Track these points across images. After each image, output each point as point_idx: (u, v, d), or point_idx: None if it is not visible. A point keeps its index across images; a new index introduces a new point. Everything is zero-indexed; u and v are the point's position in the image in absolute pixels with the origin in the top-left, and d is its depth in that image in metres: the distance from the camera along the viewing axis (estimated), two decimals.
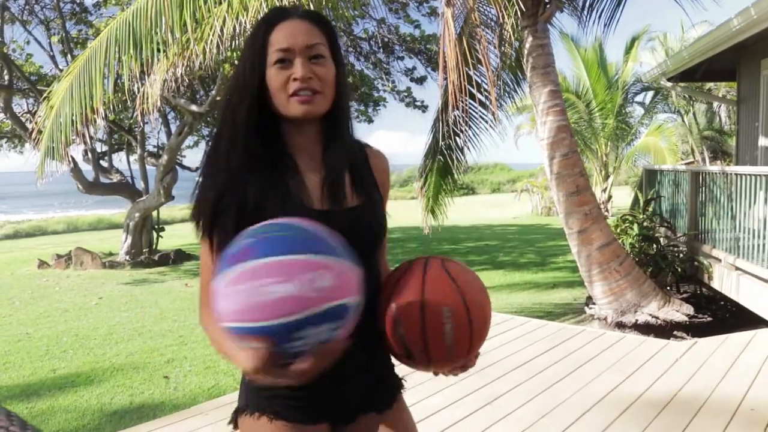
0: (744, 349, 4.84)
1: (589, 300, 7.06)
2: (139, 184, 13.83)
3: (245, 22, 5.67)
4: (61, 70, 10.87)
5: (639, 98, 17.58)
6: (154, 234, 13.57)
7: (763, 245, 5.77)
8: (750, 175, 6.28)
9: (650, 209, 8.69)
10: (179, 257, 12.73)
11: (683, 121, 18.03)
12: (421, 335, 1.25)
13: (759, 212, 5.96)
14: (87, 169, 13.20)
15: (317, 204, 1.32)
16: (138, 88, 7.07)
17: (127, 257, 12.48)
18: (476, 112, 7.81)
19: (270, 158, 1.31)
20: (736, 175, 6.65)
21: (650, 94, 17.14)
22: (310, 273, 0.99)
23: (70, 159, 12.56)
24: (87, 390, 4.89)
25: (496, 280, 9.67)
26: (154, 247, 13.39)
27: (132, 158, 14.57)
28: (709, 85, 15.56)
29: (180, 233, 17.17)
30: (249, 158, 1.29)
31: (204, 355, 5.72)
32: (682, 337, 5.89)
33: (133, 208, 13.05)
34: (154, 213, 13.54)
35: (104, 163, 14.12)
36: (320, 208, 1.31)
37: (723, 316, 6.77)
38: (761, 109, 8.94)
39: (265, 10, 5.44)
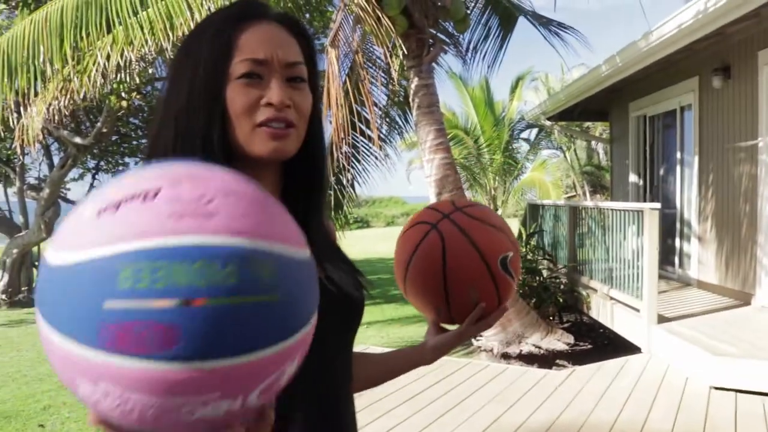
0: (616, 375, 5.12)
1: None
2: (18, 219, 13.09)
3: (129, 56, 5.54)
4: None
5: (525, 135, 18.41)
6: (34, 271, 12.82)
7: (634, 275, 6.16)
8: (620, 210, 6.71)
9: (533, 242, 9.09)
10: None
11: (565, 157, 19.05)
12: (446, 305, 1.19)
13: (629, 245, 6.36)
14: None
15: None
16: (14, 119, 6.72)
17: (3, 296, 11.73)
18: (366, 148, 7.95)
19: None
20: (609, 210, 7.09)
21: (535, 131, 18.01)
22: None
23: None
24: None
25: (388, 314, 9.76)
26: (33, 285, 12.63)
27: (10, 191, 13.81)
28: (587, 123, 16.56)
29: None
30: None
31: None
32: (564, 366, 6.15)
33: (10, 243, 12.31)
34: (35, 249, 12.82)
35: None
36: None
37: (601, 343, 7.14)
38: (630, 148, 9.62)
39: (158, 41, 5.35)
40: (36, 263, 12.84)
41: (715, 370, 4.64)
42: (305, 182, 1.02)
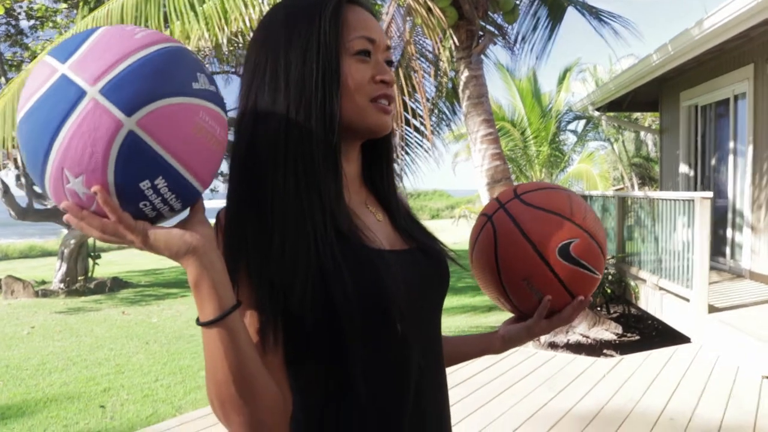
0: (665, 363, 5.11)
1: None
2: None
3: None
4: None
5: (572, 126, 18.24)
6: (90, 261, 13.27)
7: (684, 266, 6.11)
8: (671, 200, 6.65)
9: None
10: (116, 285, 12.47)
11: (613, 148, 18.79)
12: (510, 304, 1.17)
13: (679, 235, 6.31)
14: (20, 194, 12.86)
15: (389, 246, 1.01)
16: None
17: (62, 285, 12.16)
18: (413, 139, 8.03)
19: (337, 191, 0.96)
20: (659, 200, 7.03)
21: (582, 122, 17.82)
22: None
23: (2, 184, 12.25)
24: (18, 422, 4.77)
25: (456, 303, 9.85)
26: (89, 274, 13.08)
27: None
28: (636, 114, 16.31)
29: (116, 260, 16.81)
30: (334, 184, 0.95)
31: (141, 383, 5.66)
32: (611, 355, 6.14)
33: (68, 234, 12.74)
34: (90, 240, 13.27)
35: (38, 189, 13.78)
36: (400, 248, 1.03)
37: (649, 333, 7.09)
38: (681, 139, 9.47)
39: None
40: (91, 254, 13.28)
41: (767, 359, 4.60)
42: (384, 158, 1.09)
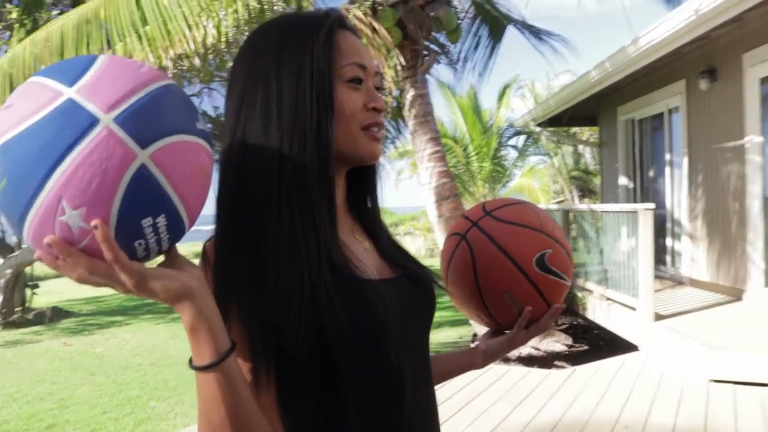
0: (617, 373, 5.23)
1: (475, 337, 7.36)
2: (11, 239, 13.04)
3: None
4: None
5: (512, 142, 18.63)
6: (28, 291, 12.77)
7: (629, 275, 6.29)
8: (614, 212, 6.85)
9: None
10: (56, 315, 12.02)
11: (553, 162, 19.25)
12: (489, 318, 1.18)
13: (623, 246, 6.50)
14: None
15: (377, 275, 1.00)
16: None
17: None
18: None
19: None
20: (603, 212, 7.23)
21: (522, 138, 18.22)
22: None
23: None
24: None
25: None
26: (27, 305, 12.58)
27: None
28: (575, 129, 16.77)
29: (56, 289, 16.22)
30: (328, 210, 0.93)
31: (88, 417, 5.46)
32: (563, 366, 6.25)
33: (3, 264, 12.25)
34: (28, 269, 12.78)
35: None
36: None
37: (598, 343, 7.25)
38: (620, 152, 9.79)
39: None
40: (29, 283, 12.80)
41: (712, 363, 4.76)
42: (370, 186, 1.08)
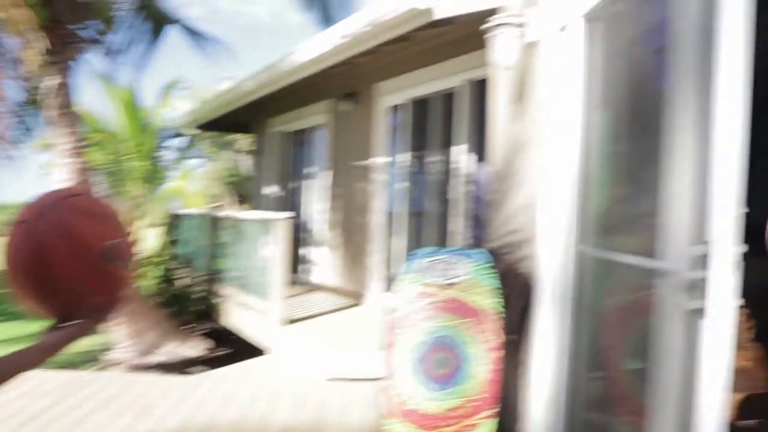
0: (248, 374, 5.39)
1: (112, 345, 6.94)
2: None
3: None
4: None
5: (173, 143, 18.11)
6: None
7: (265, 282, 6.53)
8: (252, 220, 7.12)
9: (173, 252, 9.02)
10: None
11: (212, 167, 19.20)
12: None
13: (263, 252, 6.73)
14: None
15: None
16: None
17: None
18: None
19: None
20: (245, 220, 7.45)
21: (184, 140, 17.83)
22: None
23: None
24: None
25: (10, 332, 8.72)
26: None
27: None
28: (236, 136, 16.95)
29: None
30: None
31: None
32: (203, 371, 6.23)
33: None
34: None
35: None
36: None
37: (240, 347, 7.38)
38: (271, 161, 10.22)
39: None
40: None
41: (330, 363, 5.17)
42: None
